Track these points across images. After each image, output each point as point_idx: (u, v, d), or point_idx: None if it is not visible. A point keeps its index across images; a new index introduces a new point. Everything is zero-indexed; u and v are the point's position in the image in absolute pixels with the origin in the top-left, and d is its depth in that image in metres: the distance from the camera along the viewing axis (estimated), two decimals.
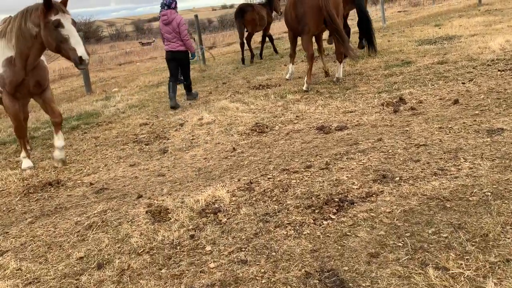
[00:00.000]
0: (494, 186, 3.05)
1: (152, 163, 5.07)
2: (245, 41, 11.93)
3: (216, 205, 3.47)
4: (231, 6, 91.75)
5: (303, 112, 6.04)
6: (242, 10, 11.71)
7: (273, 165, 4.22)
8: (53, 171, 5.25)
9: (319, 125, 5.31)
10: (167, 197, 3.81)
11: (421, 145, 4.05)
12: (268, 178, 3.88)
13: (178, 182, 4.27)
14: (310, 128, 5.32)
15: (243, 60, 12.02)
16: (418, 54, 8.72)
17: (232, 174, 4.20)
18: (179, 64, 7.96)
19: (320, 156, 4.22)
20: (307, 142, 4.81)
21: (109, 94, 10.43)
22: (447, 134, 4.23)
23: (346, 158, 4.04)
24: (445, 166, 3.51)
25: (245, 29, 11.87)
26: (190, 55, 8.01)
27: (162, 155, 5.30)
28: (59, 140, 5.30)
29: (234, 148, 5.03)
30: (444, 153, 3.77)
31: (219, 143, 5.39)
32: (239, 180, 3.96)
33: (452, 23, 12.38)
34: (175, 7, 7.79)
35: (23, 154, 5.51)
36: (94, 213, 3.73)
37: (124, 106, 8.50)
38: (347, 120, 5.39)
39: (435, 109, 5.19)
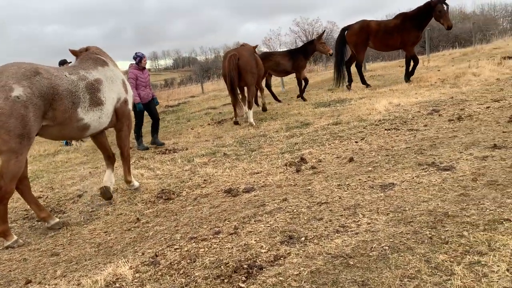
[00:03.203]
0: (391, 240, 3.23)
1: (44, 241, 4.57)
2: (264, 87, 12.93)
3: (117, 285, 3.18)
4: None
5: (211, 176, 6.01)
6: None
7: (180, 234, 4.05)
8: None
9: (227, 188, 5.30)
10: (61, 280, 3.41)
11: (322, 203, 4.21)
12: (175, 249, 3.70)
13: (75, 261, 3.87)
14: (218, 191, 5.28)
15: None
16: (315, 116, 9.37)
17: (135, 248, 3.94)
18: None
19: (228, 221, 4.17)
20: (215, 206, 4.75)
21: None
22: (346, 191, 4.47)
23: (254, 221, 4.03)
24: (345, 223, 3.66)
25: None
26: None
27: (57, 231, 4.82)
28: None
29: (138, 219, 4.76)
30: (344, 209, 3.95)
31: (121, 213, 5.08)
32: (143, 253, 3.71)
33: (343, 87, 13.63)
34: (137, 62, 8.95)
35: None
36: None
37: None
38: (254, 181, 5.46)
39: (333, 167, 5.51)
